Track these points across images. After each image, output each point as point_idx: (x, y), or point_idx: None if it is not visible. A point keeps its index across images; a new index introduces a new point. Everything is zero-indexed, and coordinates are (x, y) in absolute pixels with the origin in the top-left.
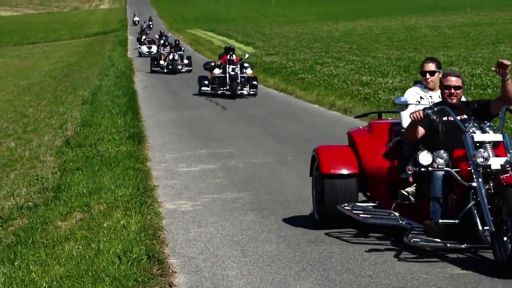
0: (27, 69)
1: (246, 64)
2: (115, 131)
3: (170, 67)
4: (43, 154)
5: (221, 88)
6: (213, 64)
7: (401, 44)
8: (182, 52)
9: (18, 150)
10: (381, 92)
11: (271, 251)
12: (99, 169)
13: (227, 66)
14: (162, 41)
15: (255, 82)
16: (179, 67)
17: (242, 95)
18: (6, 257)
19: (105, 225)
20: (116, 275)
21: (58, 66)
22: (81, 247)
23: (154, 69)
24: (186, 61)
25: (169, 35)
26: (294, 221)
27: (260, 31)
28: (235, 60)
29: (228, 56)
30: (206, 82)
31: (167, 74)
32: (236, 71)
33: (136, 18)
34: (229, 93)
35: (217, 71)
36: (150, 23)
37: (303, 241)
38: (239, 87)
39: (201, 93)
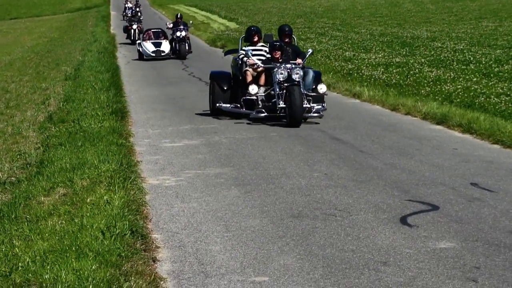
0: (9, 44)
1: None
2: (98, 106)
3: (295, 106)
4: (25, 129)
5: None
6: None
7: (384, 19)
8: (301, 62)
9: (1, 125)
10: (363, 67)
11: (254, 226)
12: (82, 145)
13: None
14: (181, 33)
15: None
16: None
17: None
18: None
19: (88, 200)
20: (100, 250)
21: (41, 41)
22: (64, 222)
23: (227, 105)
24: (323, 89)
25: (191, 22)
26: (277, 196)
27: (244, 7)
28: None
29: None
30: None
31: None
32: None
33: (129, 5)
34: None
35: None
36: (138, 9)
37: (286, 216)
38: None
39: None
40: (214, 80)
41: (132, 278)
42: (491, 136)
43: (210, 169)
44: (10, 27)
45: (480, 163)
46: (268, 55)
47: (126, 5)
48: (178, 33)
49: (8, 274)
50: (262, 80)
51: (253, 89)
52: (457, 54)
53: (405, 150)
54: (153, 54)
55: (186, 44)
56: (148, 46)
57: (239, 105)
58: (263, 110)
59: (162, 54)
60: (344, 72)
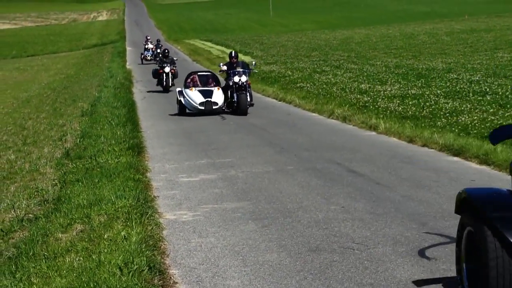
0: (26, 81)
1: None
2: (114, 142)
3: None
4: (43, 166)
5: None
6: None
7: (399, 51)
8: None
9: (18, 162)
10: (379, 100)
11: (272, 261)
12: (99, 181)
13: None
14: (240, 78)
15: None
16: None
17: None
18: (7, 269)
19: (105, 236)
20: (118, 286)
21: (57, 78)
22: (82, 258)
23: None
24: None
25: (254, 63)
26: (294, 230)
27: (259, 41)
28: None
29: None
30: None
31: None
32: None
33: (149, 45)
34: None
35: None
36: (159, 51)
37: (304, 250)
38: None
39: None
40: (485, 222)
41: None
42: (508, 167)
43: (227, 204)
44: (27, 64)
45: None
46: None
47: (145, 46)
48: (235, 78)
49: None
50: None
51: None
52: (473, 85)
53: (422, 182)
54: (201, 107)
55: (248, 94)
56: (194, 96)
57: None
58: None
59: (214, 107)
60: (360, 104)
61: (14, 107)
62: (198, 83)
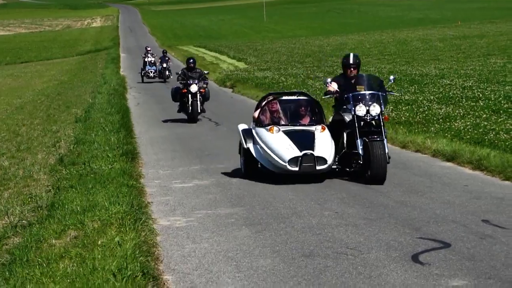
0: (19, 88)
1: None
2: (108, 148)
3: None
4: (36, 172)
5: None
6: None
7: (392, 57)
8: None
9: (12, 169)
10: None
11: (266, 266)
12: (93, 187)
13: None
14: (369, 108)
15: None
16: None
17: None
18: (1, 275)
19: (99, 242)
20: None
21: (51, 84)
22: (75, 265)
23: None
24: None
25: (392, 78)
26: (288, 235)
27: (252, 47)
28: None
29: None
30: None
31: None
32: None
33: (151, 59)
34: None
35: None
36: (166, 65)
37: (297, 256)
38: None
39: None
40: None
41: None
42: (501, 172)
43: (221, 209)
44: (21, 70)
45: (491, 200)
46: None
47: (145, 59)
48: (359, 109)
49: None
50: None
51: None
52: (466, 91)
53: (415, 188)
54: (294, 168)
55: (384, 145)
56: (279, 145)
57: None
58: None
59: (320, 167)
60: None
61: (7, 113)
62: (281, 115)
